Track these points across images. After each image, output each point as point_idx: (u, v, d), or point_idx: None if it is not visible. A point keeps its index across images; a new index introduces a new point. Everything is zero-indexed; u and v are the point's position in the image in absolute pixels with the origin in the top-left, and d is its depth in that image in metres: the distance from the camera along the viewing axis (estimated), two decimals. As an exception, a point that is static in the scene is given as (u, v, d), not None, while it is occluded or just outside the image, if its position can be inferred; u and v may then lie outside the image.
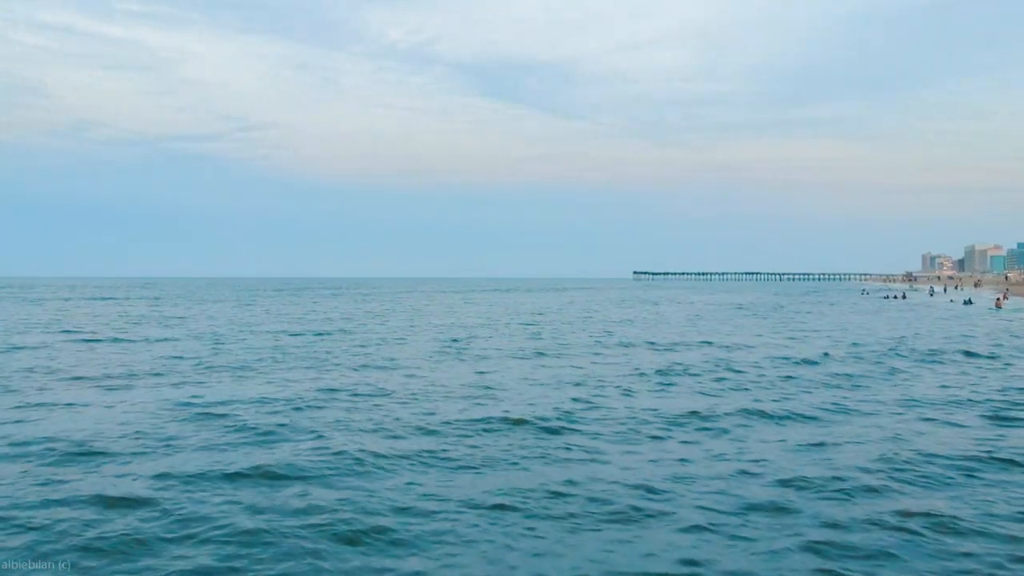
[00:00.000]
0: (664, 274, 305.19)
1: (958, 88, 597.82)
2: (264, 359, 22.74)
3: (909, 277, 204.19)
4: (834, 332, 34.78)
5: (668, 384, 17.87)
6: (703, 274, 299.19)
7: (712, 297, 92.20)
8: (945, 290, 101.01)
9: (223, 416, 13.34)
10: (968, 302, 63.54)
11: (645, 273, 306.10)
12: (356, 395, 15.84)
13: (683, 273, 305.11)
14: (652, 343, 28.94)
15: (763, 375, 19.50)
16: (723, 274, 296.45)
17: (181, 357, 23.15)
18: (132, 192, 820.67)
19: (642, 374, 19.44)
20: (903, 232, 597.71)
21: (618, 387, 17.18)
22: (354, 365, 21.42)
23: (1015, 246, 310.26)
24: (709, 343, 28.79)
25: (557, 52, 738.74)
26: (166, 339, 29.93)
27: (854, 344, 28.08)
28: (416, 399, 15.39)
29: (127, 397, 15.68)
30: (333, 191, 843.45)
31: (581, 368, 20.91)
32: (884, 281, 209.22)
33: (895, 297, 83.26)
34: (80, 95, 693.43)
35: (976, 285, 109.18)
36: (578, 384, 17.64)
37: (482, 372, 19.99)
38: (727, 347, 27.36)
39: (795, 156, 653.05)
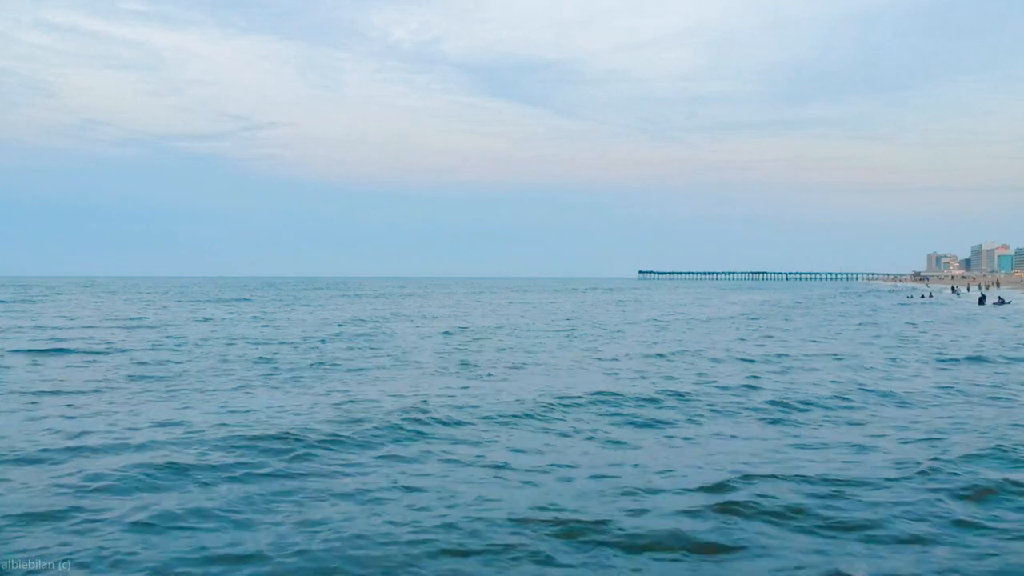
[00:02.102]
0: (670, 273, 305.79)
1: (961, 87, 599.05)
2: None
3: (920, 277, 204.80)
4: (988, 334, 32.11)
5: None
6: (709, 273, 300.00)
7: (741, 296, 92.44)
8: (968, 289, 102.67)
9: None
10: (1001, 301, 64.20)
11: (651, 272, 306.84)
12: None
13: (689, 273, 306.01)
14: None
15: None
16: (729, 273, 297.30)
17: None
18: (136, 192, 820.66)
19: None
20: (908, 232, 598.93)
21: None
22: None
23: (1023, 245, 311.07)
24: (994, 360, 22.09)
25: (561, 52, 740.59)
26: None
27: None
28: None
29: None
30: (337, 190, 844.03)
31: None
32: (892, 281, 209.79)
33: (922, 296, 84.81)
34: (85, 95, 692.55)
35: (997, 284, 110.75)
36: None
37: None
38: None
39: (799, 155, 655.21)
